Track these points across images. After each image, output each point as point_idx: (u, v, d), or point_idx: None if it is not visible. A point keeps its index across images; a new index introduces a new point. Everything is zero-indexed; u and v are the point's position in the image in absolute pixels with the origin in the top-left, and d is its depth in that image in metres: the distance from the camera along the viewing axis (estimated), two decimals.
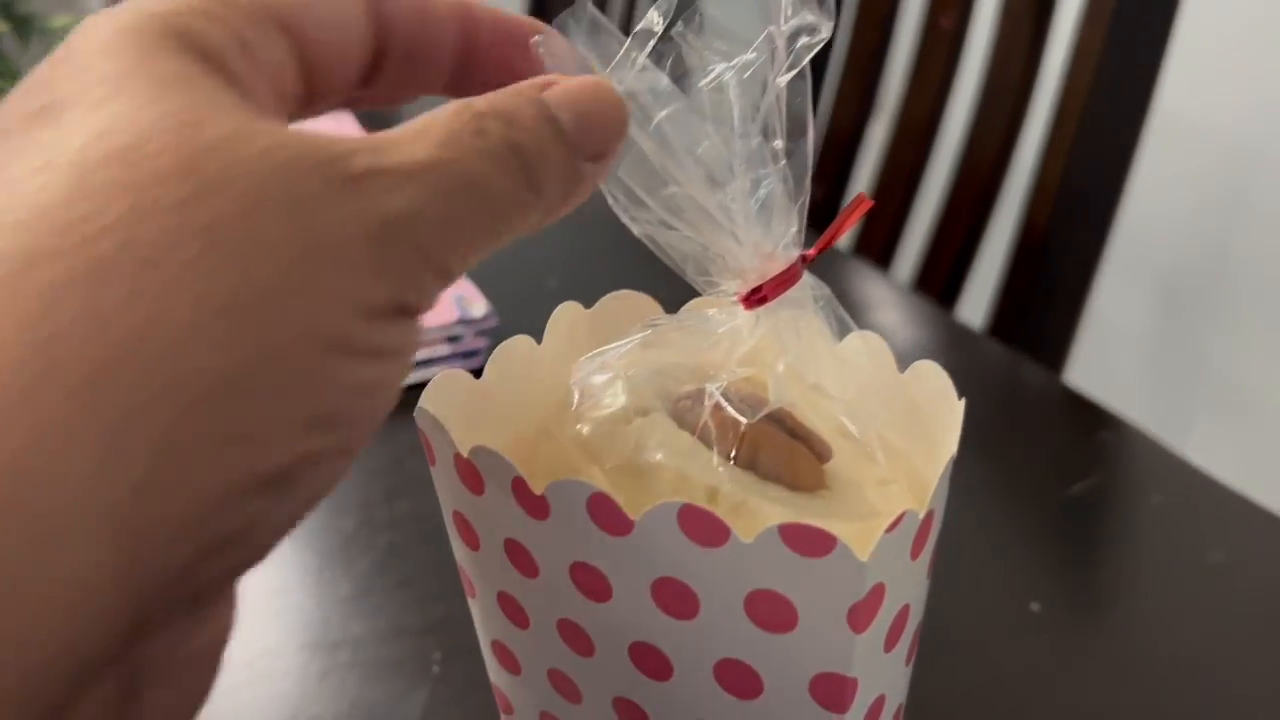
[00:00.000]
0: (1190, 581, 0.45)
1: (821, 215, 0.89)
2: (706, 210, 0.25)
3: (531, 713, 0.29)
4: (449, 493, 0.26)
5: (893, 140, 0.84)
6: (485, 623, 0.28)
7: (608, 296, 0.31)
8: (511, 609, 0.27)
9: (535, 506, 0.24)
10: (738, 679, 0.24)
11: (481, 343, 0.58)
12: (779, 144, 0.25)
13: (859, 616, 0.22)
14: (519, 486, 0.24)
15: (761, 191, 0.25)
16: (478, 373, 0.29)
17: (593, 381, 0.27)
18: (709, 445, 0.25)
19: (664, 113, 0.23)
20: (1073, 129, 0.72)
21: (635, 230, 0.26)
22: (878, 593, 0.22)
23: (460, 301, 0.59)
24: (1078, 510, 0.49)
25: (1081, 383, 0.60)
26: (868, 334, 0.28)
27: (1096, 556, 0.48)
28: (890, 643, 0.24)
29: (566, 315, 0.30)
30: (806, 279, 0.27)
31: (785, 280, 0.26)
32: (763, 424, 0.25)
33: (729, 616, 0.23)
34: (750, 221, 0.25)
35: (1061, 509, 0.49)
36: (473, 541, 0.26)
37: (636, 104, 0.23)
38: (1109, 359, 1.22)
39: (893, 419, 0.27)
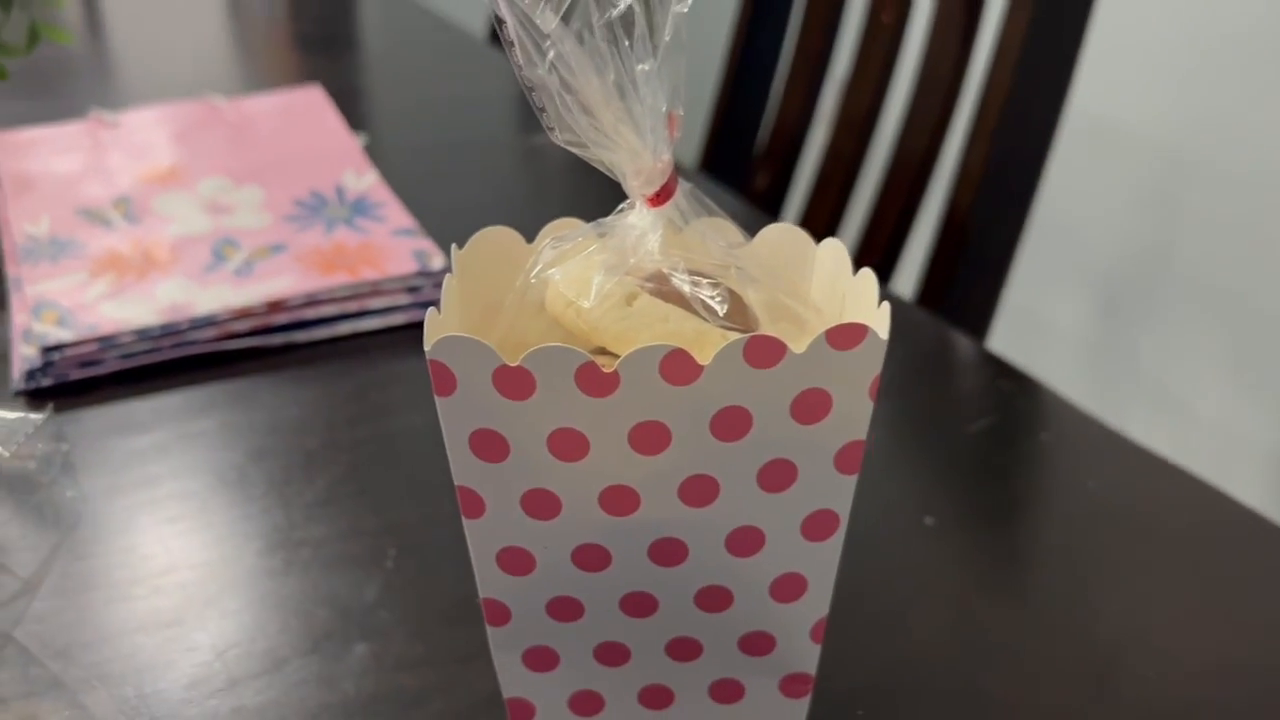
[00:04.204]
0: (1068, 504, 0.51)
1: (766, 203, 0.95)
2: (616, 128, 0.31)
3: (536, 610, 0.33)
4: (470, 413, 0.30)
5: (834, 133, 0.90)
6: (494, 533, 0.32)
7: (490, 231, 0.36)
8: (541, 503, 0.31)
9: (603, 385, 0.29)
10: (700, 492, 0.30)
11: (439, 294, 0.63)
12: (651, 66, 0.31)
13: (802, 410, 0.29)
14: (585, 372, 0.29)
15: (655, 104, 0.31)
16: None
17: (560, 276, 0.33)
18: (695, 311, 0.32)
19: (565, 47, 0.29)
20: (995, 119, 0.78)
21: (572, 149, 0.32)
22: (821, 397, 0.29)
23: (421, 256, 0.64)
24: (974, 444, 0.55)
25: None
26: (784, 226, 0.36)
27: (987, 482, 0.53)
28: (842, 463, 0.30)
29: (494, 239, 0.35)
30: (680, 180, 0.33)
31: (675, 179, 0.32)
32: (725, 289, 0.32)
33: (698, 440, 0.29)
34: (649, 130, 0.31)
35: (960, 443, 0.55)
36: (498, 453, 0.30)
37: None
38: (1042, 361, 1.28)
39: (817, 291, 0.34)
